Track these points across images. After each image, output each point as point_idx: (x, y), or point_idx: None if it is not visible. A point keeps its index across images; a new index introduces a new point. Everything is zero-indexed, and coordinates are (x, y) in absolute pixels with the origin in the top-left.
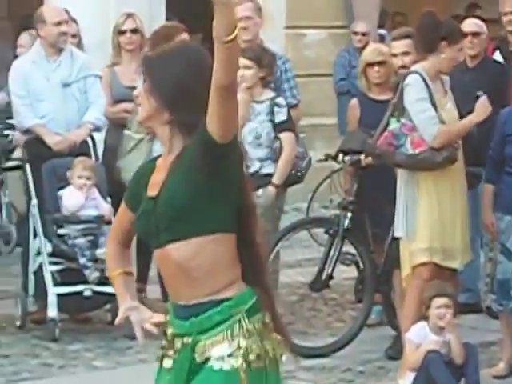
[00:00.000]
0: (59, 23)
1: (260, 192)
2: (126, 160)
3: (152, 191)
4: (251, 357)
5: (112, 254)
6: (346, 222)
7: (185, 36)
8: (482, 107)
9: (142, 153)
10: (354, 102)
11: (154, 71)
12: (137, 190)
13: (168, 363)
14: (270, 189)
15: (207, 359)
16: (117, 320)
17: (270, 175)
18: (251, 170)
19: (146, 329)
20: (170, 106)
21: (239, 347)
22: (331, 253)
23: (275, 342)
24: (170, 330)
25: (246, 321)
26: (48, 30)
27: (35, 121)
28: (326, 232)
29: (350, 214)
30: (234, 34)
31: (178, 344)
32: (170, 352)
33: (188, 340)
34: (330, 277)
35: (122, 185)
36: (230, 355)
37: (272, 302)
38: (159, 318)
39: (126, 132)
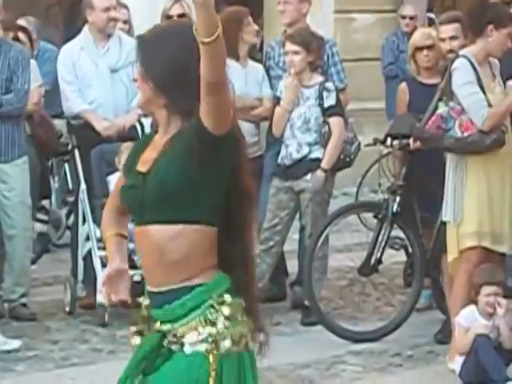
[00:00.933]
0: (108, 9)
1: (309, 176)
2: None
3: (143, 167)
4: (223, 341)
5: (108, 218)
6: (395, 206)
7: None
8: None
9: None
10: (403, 86)
11: (147, 54)
12: (133, 161)
13: (137, 341)
14: (319, 173)
15: (181, 345)
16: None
17: (318, 160)
18: (300, 155)
19: (111, 299)
20: (165, 90)
21: (211, 332)
22: (380, 237)
23: (249, 326)
24: (145, 312)
25: (219, 306)
26: (96, 15)
27: (84, 106)
28: (375, 216)
29: (398, 199)
30: (213, 36)
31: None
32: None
33: (162, 327)
34: (379, 261)
35: None
36: (202, 340)
37: (251, 289)
38: (126, 296)
39: None
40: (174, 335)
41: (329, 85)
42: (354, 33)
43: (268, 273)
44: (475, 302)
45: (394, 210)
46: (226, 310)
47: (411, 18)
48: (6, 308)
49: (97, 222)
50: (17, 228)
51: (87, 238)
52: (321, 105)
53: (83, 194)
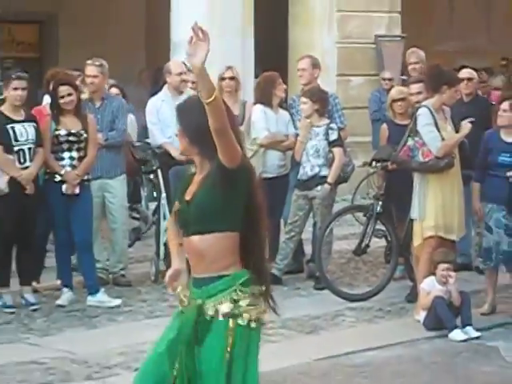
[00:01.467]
0: (180, 73)
1: (319, 188)
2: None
3: (187, 197)
4: (241, 317)
5: (172, 231)
6: (378, 208)
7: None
8: (465, 127)
9: (258, 160)
10: (384, 126)
11: (183, 117)
12: (182, 192)
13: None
14: (326, 186)
15: (212, 315)
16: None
17: (325, 177)
18: (313, 173)
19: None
20: (196, 143)
21: (234, 308)
22: (368, 229)
23: (261, 309)
24: (188, 294)
25: (239, 291)
26: (172, 78)
27: (164, 140)
28: (365, 215)
29: (380, 203)
30: (211, 98)
31: (192, 303)
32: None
33: (198, 302)
34: (367, 246)
35: None
36: (227, 313)
37: (266, 280)
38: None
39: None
40: (207, 307)
41: (333, 125)
42: (350, 89)
43: (291, 254)
44: (434, 274)
45: (378, 210)
46: (244, 294)
47: (389, 79)
48: (110, 278)
49: None
50: (117, 223)
51: (166, 230)
52: (327, 139)
53: (164, 200)
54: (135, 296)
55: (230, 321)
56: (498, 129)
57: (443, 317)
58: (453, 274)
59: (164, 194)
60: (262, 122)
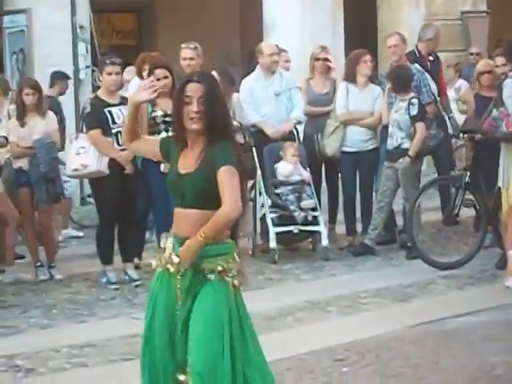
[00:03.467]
0: (271, 54)
1: (401, 160)
2: (329, 140)
3: (182, 170)
4: (235, 279)
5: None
6: (467, 179)
7: (368, 57)
8: None
9: (339, 135)
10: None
11: (208, 100)
12: (168, 148)
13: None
14: (407, 158)
15: (206, 274)
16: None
17: (407, 149)
18: (397, 143)
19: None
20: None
21: (230, 271)
22: (457, 199)
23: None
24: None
25: (233, 260)
26: (264, 58)
27: (258, 118)
28: (453, 186)
29: (469, 173)
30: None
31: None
32: (170, 266)
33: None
34: (457, 215)
35: (321, 157)
36: (225, 275)
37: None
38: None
39: (329, 121)
40: (206, 268)
41: (414, 100)
42: None
43: (381, 224)
44: None
45: (466, 180)
46: (237, 264)
47: (477, 54)
48: None
49: (268, 194)
50: None
51: (262, 205)
52: (408, 113)
53: (259, 177)
54: None
55: (230, 284)
56: None
57: None
58: None
59: (259, 171)
60: (342, 100)
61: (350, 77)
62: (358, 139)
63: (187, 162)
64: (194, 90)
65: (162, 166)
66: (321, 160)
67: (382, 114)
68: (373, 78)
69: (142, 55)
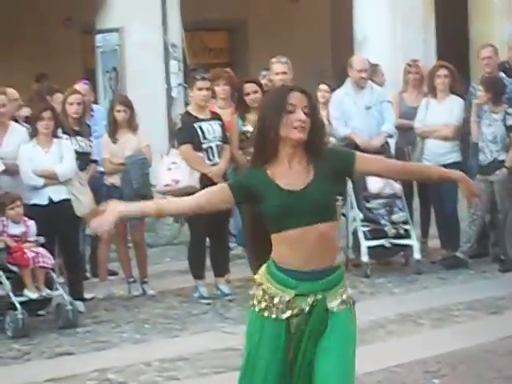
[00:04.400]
0: (361, 70)
1: (497, 172)
2: (414, 154)
3: (291, 187)
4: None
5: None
6: None
7: (444, 72)
8: None
9: (419, 148)
10: None
11: (315, 109)
12: (248, 185)
13: (283, 316)
14: (503, 170)
15: (332, 307)
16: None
17: (503, 161)
18: (492, 158)
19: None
20: (314, 136)
21: (347, 297)
22: None
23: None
24: (287, 295)
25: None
26: (353, 73)
27: (348, 130)
28: None
29: None
30: None
31: (303, 302)
32: (288, 311)
33: (318, 296)
34: None
35: None
36: (343, 302)
37: None
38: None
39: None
40: (329, 299)
41: (510, 110)
42: None
43: (474, 237)
44: None
45: None
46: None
47: None
48: None
49: (360, 208)
50: None
51: (354, 219)
52: (505, 124)
53: (350, 190)
54: None
55: (352, 308)
56: None
57: None
58: None
59: (351, 185)
60: (420, 113)
61: (431, 90)
62: (434, 152)
63: (293, 178)
64: (298, 98)
65: None
66: None
67: (456, 126)
68: (462, 92)
69: (216, 70)
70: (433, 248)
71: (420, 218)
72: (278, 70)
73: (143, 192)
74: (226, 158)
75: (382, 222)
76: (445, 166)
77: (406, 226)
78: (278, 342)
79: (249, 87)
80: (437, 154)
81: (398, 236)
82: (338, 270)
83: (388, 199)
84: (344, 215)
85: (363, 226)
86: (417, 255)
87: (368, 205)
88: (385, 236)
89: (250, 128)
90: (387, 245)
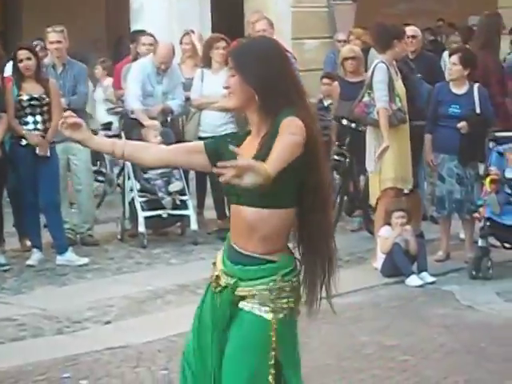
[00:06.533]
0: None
1: None
2: (187, 126)
3: None
4: (282, 311)
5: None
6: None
7: (222, 44)
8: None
9: (195, 120)
10: (336, 83)
11: (242, 65)
12: (222, 149)
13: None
14: None
15: (243, 300)
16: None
17: None
18: None
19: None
20: (259, 96)
21: (271, 299)
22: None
23: (298, 300)
24: (220, 266)
25: (281, 282)
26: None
27: (138, 106)
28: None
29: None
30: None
31: (222, 280)
32: (214, 284)
33: (231, 281)
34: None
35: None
36: (265, 306)
37: (323, 267)
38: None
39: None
40: (240, 291)
41: None
42: (305, 53)
43: None
44: (390, 224)
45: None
46: (287, 287)
47: (344, 40)
48: (78, 238)
49: (137, 178)
50: (83, 185)
51: (131, 190)
52: None
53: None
54: (102, 254)
55: (271, 315)
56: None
57: (400, 263)
58: (409, 227)
59: None
60: (195, 85)
61: (206, 62)
62: (211, 124)
63: (245, 151)
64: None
65: (37, 149)
66: None
67: None
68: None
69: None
70: (209, 219)
71: (196, 189)
72: (53, 39)
73: None
74: (2, 127)
75: (160, 193)
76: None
77: (183, 197)
78: (209, 314)
79: (22, 54)
80: (214, 126)
81: (175, 207)
82: (267, 264)
83: (165, 170)
84: (119, 185)
85: (140, 196)
86: (193, 226)
87: (145, 175)
88: (162, 207)
89: (25, 96)
90: (164, 215)
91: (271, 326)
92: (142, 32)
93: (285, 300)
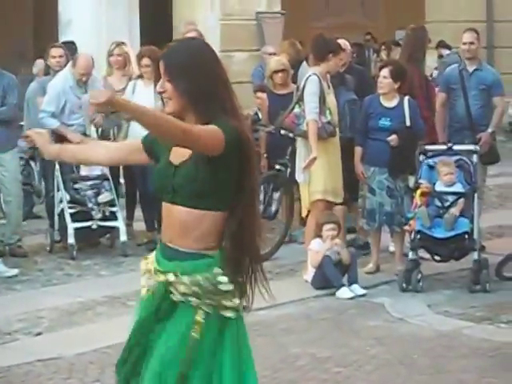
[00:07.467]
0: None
1: None
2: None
3: (174, 160)
4: (209, 305)
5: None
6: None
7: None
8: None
9: (125, 132)
10: (264, 96)
11: (176, 72)
12: (157, 144)
13: (144, 292)
14: None
15: (177, 294)
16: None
17: None
18: None
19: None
20: (192, 102)
21: (204, 294)
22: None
23: (230, 298)
24: (154, 265)
25: (213, 278)
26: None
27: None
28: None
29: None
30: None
31: (158, 278)
32: (150, 282)
33: (166, 277)
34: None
35: None
36: (195, 297)
37: (252, 266)
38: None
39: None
40: (176, 288)
41: None
42: (234, 65)
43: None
44: (320, 236)
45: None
46: (220, 284)
47: (274, 53)
48: (6, 249)
49: (66, 189)
50: (11, 196)
51: (60, 201)
52: None
53: (57, 172)
54: (32, 266)
55: (199, 312)
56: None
57: (330, 276)
58: (339, 240)
59: (57, 166)
60: (126, 97)
61: (140, 74)
62: (141, 134)
63: (181, 149)
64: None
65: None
66: None
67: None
68: None
69: None
70: (138, 231)
71: (125, 200)
72: None
73: None
74: None
75: (89, 204)
76: None
77: (113, 208)
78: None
79: None
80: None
81: (105, 218)
82: (203, 259)
83: (96, 181)
84: (53, 196)
85: (70, 207)
86: (123, 237)
87: (76, 186)
88: (91, 218)
89: None
90: (94, 227)
91: (200, 320)
92: (71, 43)
93: (218, 296)
